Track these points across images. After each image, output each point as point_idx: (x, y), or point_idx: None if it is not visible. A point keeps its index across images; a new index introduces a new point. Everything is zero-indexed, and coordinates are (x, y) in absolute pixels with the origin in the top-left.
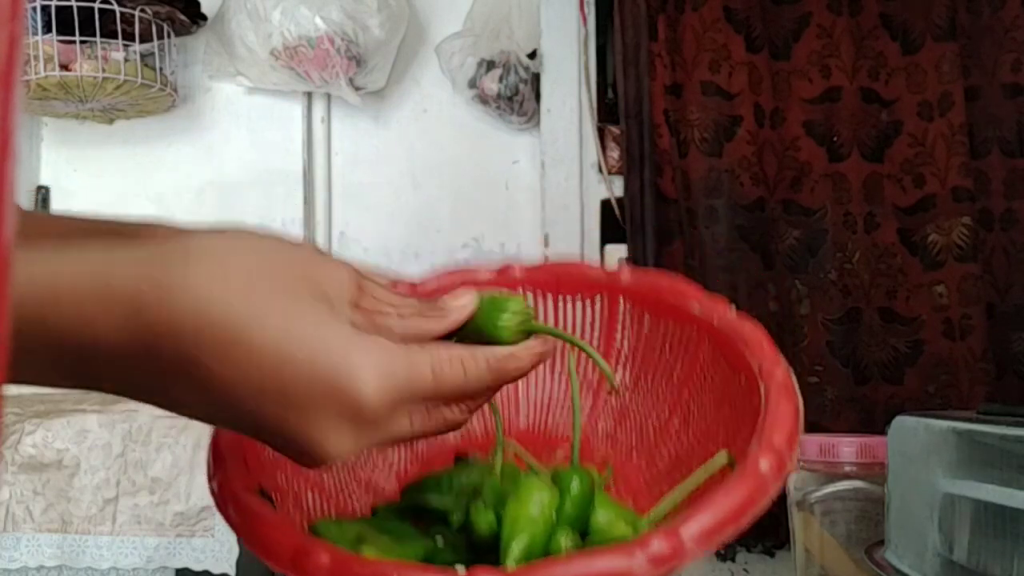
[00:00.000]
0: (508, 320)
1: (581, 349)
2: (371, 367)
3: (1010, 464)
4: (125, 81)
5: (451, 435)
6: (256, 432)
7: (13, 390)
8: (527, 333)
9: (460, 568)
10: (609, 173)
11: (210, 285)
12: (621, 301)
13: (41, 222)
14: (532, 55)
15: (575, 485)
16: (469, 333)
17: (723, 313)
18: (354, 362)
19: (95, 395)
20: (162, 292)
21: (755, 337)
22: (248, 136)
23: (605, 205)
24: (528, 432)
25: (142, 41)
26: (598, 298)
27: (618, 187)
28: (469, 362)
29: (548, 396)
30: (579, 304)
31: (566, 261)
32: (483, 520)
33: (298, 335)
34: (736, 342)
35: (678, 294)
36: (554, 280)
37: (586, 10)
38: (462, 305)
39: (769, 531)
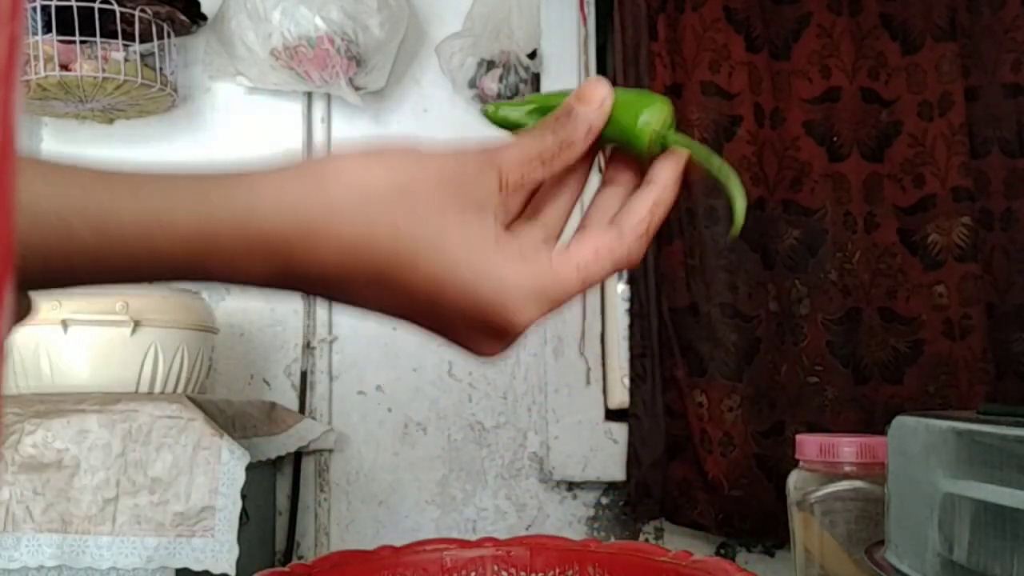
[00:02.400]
0: (645, 126)
1: (718, 174)
2: (522, 298)
3: (1010, 464)
4: (125, 81)
5: None
6: (400, 319)
7: (12, 390)
8: (662, 142)
9: None
10: None
11: (354, 227)
12: (591, 570)
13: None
14: (532, 55)
15: None
16: (606, 132)
17: (689, 558)
18: (507, 297)
19: (95, 395)
20: (308, 239)
21: (720, 568)
22: (248, 136)
23: None
24: None
25: (142, 41)
26: (570, 572)
27: None
28: (617, 247)
29: None
30: None
31: (541, 536)
32: None
33: (449, 270)
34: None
35: (645, 552)
36: (528, 554)
37: (586, 10)
38: (600, 105)
39: (769, 531)
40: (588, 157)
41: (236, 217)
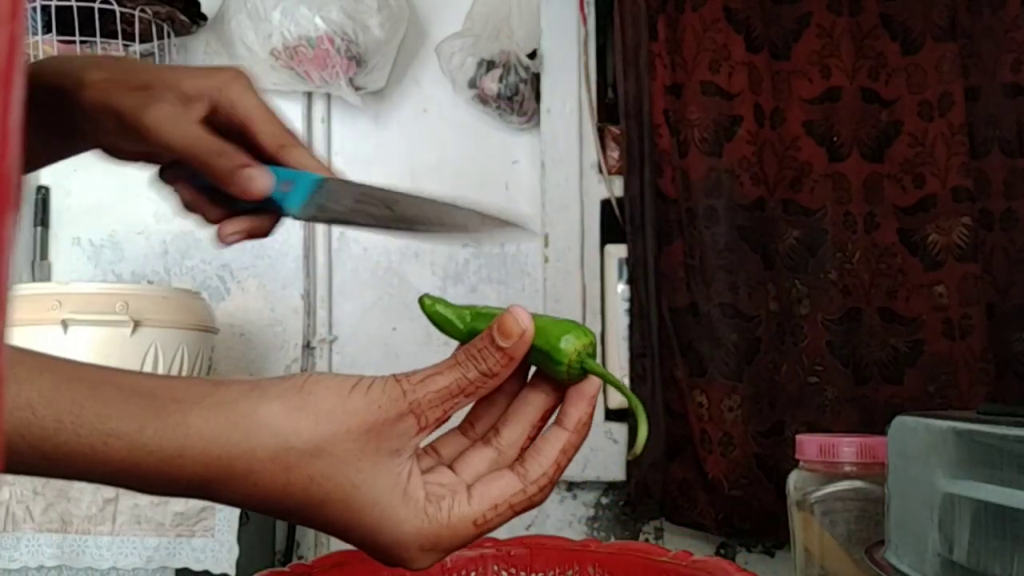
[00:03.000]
0: (568, 344)
1: (630, 403)
2: (417, 549)
3: (1010, 464)
4: None
5: None
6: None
7: None
8: (580, 367)
9: None
10: (609, 173)
11: (272, 477)
12: (591, 570)
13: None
14: (532, 55)
15: None
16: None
17: (689, 558)
18: (403, 547)
19: None
20: (227, 483)
21: (720, 568)
22: None
23: (605, 205)
24: None
25: (142, 41)
26: (570, 572)
27: (618, 187)
28: (517, 500)
29: None
30: None
31: (541, 536)
32: None
33: (356, 514)
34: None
35: (645, 552)
36: (528, 555)
37: (586, 10)
38: (520, 337)
39: (769, 531)
40: (518, 372)
41: (164, 455)
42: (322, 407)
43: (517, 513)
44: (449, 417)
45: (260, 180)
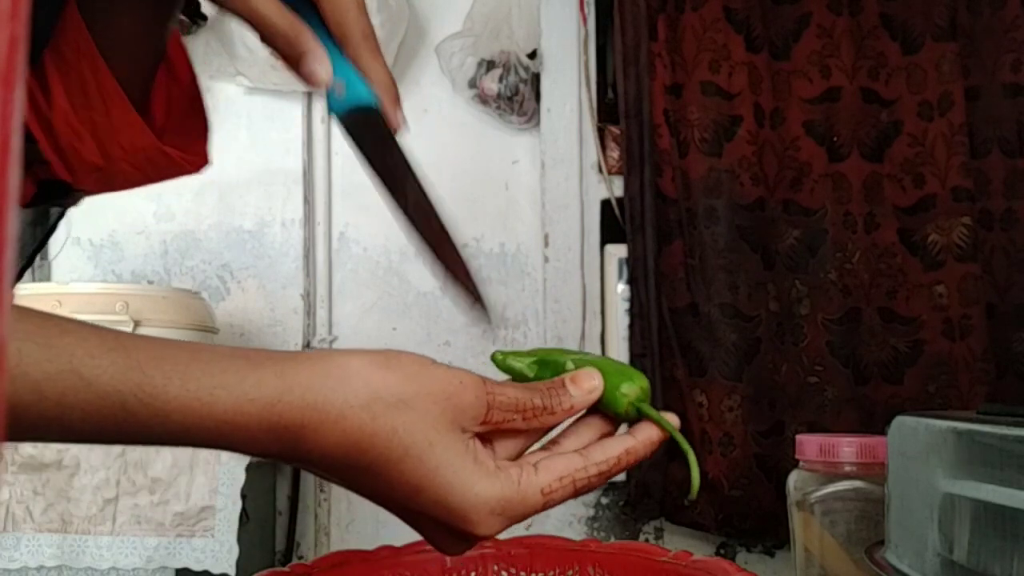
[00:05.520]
0: (627, 392)
1: (680, 446)
2: (487, 513)
3: (1010, 464)
4: None
5: None
6: (384, 508)
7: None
8: (637, 409)
9: None
10: (609, 173)
11: (360, 426)
12: (591, 570)
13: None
14: (532, 55)
15: None
16: None
17: (689, 558)
18: (473, 510)
19: None
20: (319, 429)
21: (720, 568)
22: (248, 136)
23: (605, 205)
24: None
25: None
26: (570, 572)
27: (618, 187)
28: (580, 476)
29: None
30: None
31: (541, 536)
32: None
33: (429, 474)
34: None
35: (645, 552)
36: (528, 555)
37: (586, 10)
38: (588, 393)
39: (769, 531)
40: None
41: (265, 402)
42: (408, 369)
43: (579, 492)
44: (504, 428)
45: (317, 74)
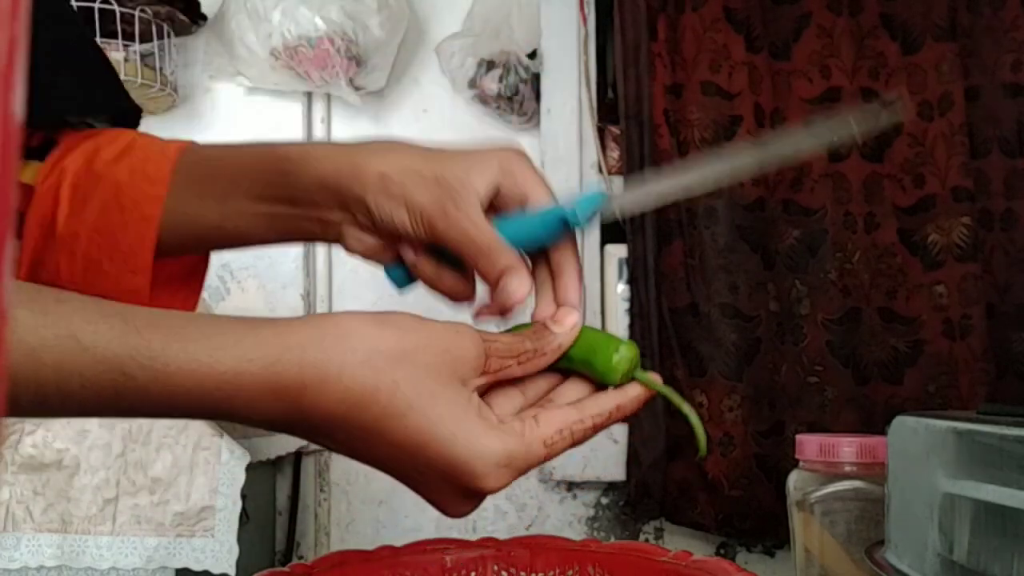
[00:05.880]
0: (619, 361)
1: (679, 408)
2: (493, 464)
3: (1010, 464)
4: (125, 81)
5: None
6: (386, 472)
7: None
8: (631, 377)
9: None
10: (609, 173)
11: (362, 382)
12: (591, 570)
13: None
14: (532, 55)
15: None
16: (580, 362)
17: (689, 558)
18: (479, 462)
19: None
20: (320, 387)
21: (720, 568)
22: (248, 136)
23: None
24: None
25: (142, 41)
26: (570, 572)
27: (618, 187)
28: (578, 428)
29: None
30: None
31: (541, 536)
32: None
33: (432, 426)
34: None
35: (645, 552)
36: (528, 555)
37: (586, 10)
38: (571, 329)
39: (769, 531)
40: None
41: (265, 362)
42: (404, 324)
43: (576, 442)
44: (501, 376)
45: (518, 293)
